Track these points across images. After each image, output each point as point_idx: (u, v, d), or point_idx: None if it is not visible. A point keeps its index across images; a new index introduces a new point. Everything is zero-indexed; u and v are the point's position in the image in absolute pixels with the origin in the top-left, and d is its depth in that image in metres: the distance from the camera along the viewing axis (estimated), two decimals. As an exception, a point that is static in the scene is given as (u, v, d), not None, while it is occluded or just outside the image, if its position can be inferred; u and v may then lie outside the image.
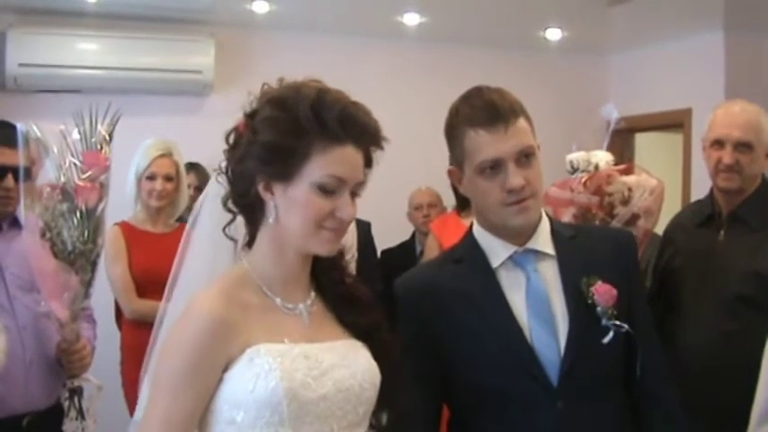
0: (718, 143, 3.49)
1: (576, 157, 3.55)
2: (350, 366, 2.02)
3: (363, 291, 2.21)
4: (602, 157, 3.55)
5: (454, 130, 2.40)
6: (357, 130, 1.98)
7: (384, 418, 2.16)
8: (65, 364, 3.33)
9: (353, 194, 2.03)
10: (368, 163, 2.06)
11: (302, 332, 2.02)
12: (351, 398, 1.99)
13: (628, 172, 3.54)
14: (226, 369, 1.91)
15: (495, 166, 2.32)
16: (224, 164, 2.07)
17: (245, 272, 2.05)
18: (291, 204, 1.97)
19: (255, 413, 1.88)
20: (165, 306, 2.29)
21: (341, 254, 2.18)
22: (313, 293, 2.13)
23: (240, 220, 2.11)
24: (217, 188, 2.13)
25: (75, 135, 3.25)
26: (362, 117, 2.00)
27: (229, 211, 2.09)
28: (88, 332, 3.49)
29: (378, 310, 2.21)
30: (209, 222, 2.19)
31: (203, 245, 2.23)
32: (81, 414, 3.33)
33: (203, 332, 1.88)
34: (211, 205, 2.17)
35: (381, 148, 2.07)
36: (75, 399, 3.35)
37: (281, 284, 2.05)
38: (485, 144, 2.32)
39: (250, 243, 2.11)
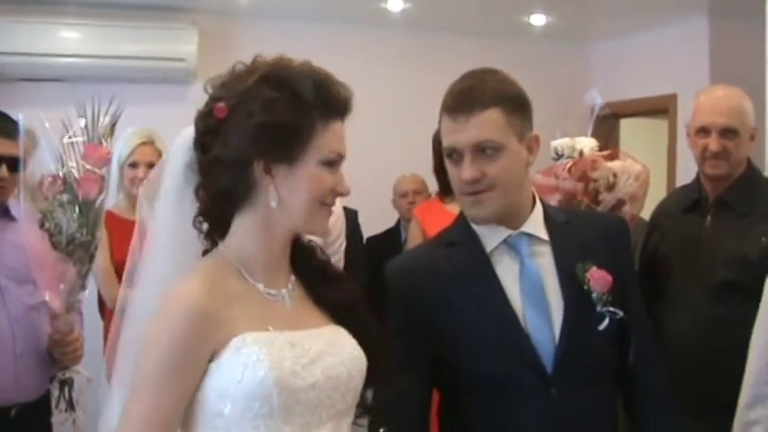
0: (704, 131, 3.48)
1: (561, 143, 3.54)
2: (337, 354, 1.98)
3: (333, 267, 2.21)
4: (587, 144, 3.54)
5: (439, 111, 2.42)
6: (343, 104, 2.00)
7: (370, 396, 2.14)
8: (57, 355, 3.31)
9: None
10: None
11: (286, 319, 1.98)
12: (339, 386, 1.96)
13: (613, 158, 3.53)
14: (211, 359, 1.87)
15: (454, 155, 2.34)
16: (196, 154, 1.99)
17: (225, 258, 2.00)
18: (297, 183, 1.94)
19: (244, 404, 1.84)
20: (125, 293, 2.21)
21: None
22: (293, 278, 2.09)
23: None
24: (179, 177, 2.04)
25: (78, 126, 3.24)
26: (349, 93, 2.02)
27: (199, 201, 2.02)
28: (77, 324, 3.47)
29: (351, 286, 2.19)
30: (177, 212, 2.06)
31: (170, 235, 2.09)
32: (71, 406, 3.31)
33: (187, 323, 1.84)
34: (177, 194, 2.06)
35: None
36: (66, 390, 3.33)
37: (264, 270, 2.01)
38: (446, 131, 2.35)
39: (216, 231, 2.04)
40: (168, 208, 2.08)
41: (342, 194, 2.00)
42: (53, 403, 3.34)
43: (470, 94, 2.31)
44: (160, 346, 1.84)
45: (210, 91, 2.01)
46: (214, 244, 2.05)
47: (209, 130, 1.96)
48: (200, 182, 2.00)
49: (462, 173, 2.30)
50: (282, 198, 1.95)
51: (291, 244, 2.09)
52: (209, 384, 1.87)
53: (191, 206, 2.03)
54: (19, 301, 3.25)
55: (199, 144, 1.99)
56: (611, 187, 3.37)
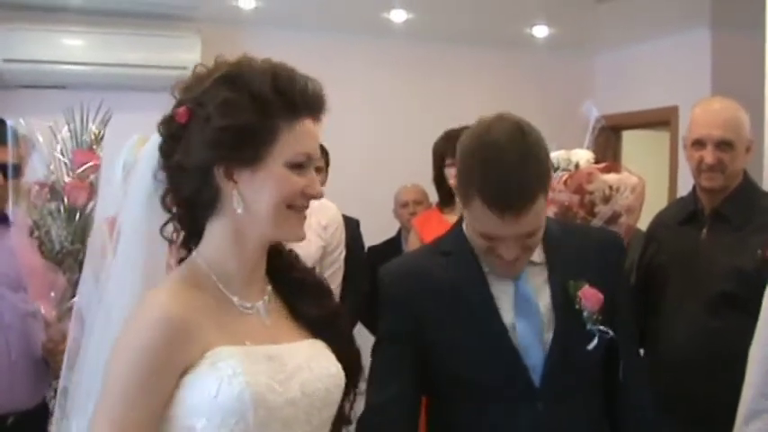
0: (700, 143, 3.48)
1: (556, 155, 3.52)
2: (314, 369, 1.93)
3: (311, 273, 2.15)
4: (583, 156, 3.53)
5: (464, 176, 2.27)
6: (311, 101, 1.90)
7: (348, 407, 2.10)
8: (51, 363, 3.30)
9: (317, 172, 1.94)
10: None
11: (263, 333, 1.92)
12: (316, 402, 1.91)
13: (609, 170, 3.53)
14: (184, 374, 1.79)
15: (495, 239, 2.26)
16: (160, 160, 1.92)
17: (199, 269, 1.92)
18: (261, 188, 1.86)
19: (220, 421, 1.76)
20: (95, 312, 2.08)
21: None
22: (269, 288, 2.03)
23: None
24: (147, 184, 1.97)
25: (66, 132, 3.23)
26: (318, 89, 1.92)
27: (168, 209, 1.94)
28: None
29: (333, 299, 2.16)
30: (143, 220, 1.98)
31: (138, 244, 1.99)
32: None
33: (159, 336, 1.76)
34: (144, 202, 1.98)
35: (324, 114, 1.98)
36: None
37: (239, 281, 1.94)
38: (489, 222, 2.21)
39: (191, 239, 1.98)
40: (136, 216, 2.00)
41: (313, 197, 1.91)
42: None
43: (514, 192, 2.16)
44: (129, 360, 1.77)
45: (177, 95, 1.94)
46: (190, 251, 1.99)
47: (171, 136, 1.90)
48: (166, 189, 1.93)
49: (505, 254, 2.26)
50: (248, 204, 1.87)
51: (271, 253, 2.04)
52: (182, 399, 1.79)
53: (159, 214, 1.96)
54: (14, 307, 3.25)
55: (162, 150, 1.92)
56: (607, 199, 3.36)
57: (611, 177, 3.44)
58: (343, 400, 2.05)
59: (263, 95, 1.84)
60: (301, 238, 1.96)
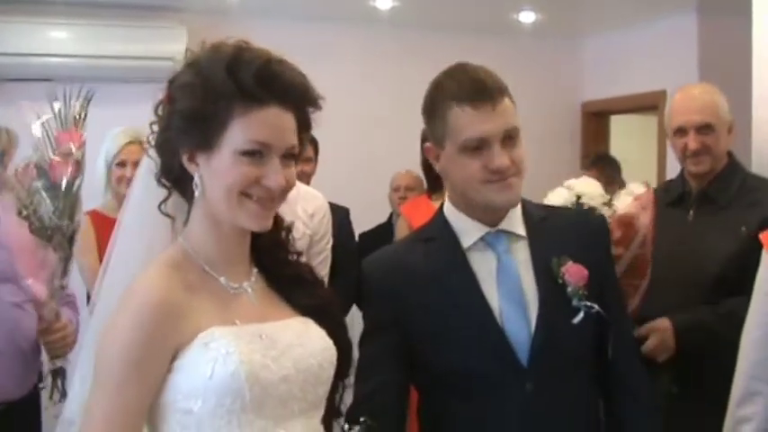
0: (681, 130, 3.53)
1: (563, 199, 3.39)
2: (306, 345, 1.94)
3: (308, 269, 2.15)
4: (594, 195, 3.32)
5: (436, 105, 2.36)
6: (280, 88, 1.85)
7: (338, 398, 2.13)
8: (45, 345, 3.31)
9: (290, 161, 1.90)
10: (303, 125, 1.94)
11: (252, 312, 1.93)
12: (310, 378, 1.92)
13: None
14: (175, 358, 1.80)
15: (481, 146, 2.28)
16: (152, 137, 1.95)
17: (184, 251, 1.93)
18: (214, 174, 1.85)
19: (215, 401, 1.77)
20: (99, 291, 2.11)
21: (287, 229, 2.10)
22: (255, 270, 2.03)
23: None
24: (149, 163, 1.99)
25: (49, 114, 3.23)
26: (287, 74, 1.87)
27: (164, 186, 1.96)
28: (73, 317, 3.45)
29: (324, 289, 2.17)
30: (144, 199, 2.02)
31: (137, 224, 2.06)
32: (65, 395, 3.28)
33: (147, 320, 1.76)
34: (145, 182, 2.01)
35: (317, 106, 1.95)
36: (59, 380, 3.33)
37: (222, 262, 1.94)
38: (471, 122, 2.27)
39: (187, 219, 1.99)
40: (139, 194, 2.05)
41: (270, 188, 1.85)
42: (48, 395, 3.33)
43: (486, 84, 2.29)
44: (119, 346, 1.77)
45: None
46: None
47: (158, 117, 1.94)
48: (159, 167, 1.96)
49: (495, 161, 2.26)
50: (205, 188, 1.87)
51: (262, 249, 2.05)
52: (176, 381, 1.80)
53: (161, 190, 1.98)
54: (0, 300, 3.23)
55: (152, 129, 1.96)
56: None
57: (631, 209, 3.33)
58: (332, 392, 2.06)
59: (215, 81, 1.82)
60: (263, 227, 1.93)
